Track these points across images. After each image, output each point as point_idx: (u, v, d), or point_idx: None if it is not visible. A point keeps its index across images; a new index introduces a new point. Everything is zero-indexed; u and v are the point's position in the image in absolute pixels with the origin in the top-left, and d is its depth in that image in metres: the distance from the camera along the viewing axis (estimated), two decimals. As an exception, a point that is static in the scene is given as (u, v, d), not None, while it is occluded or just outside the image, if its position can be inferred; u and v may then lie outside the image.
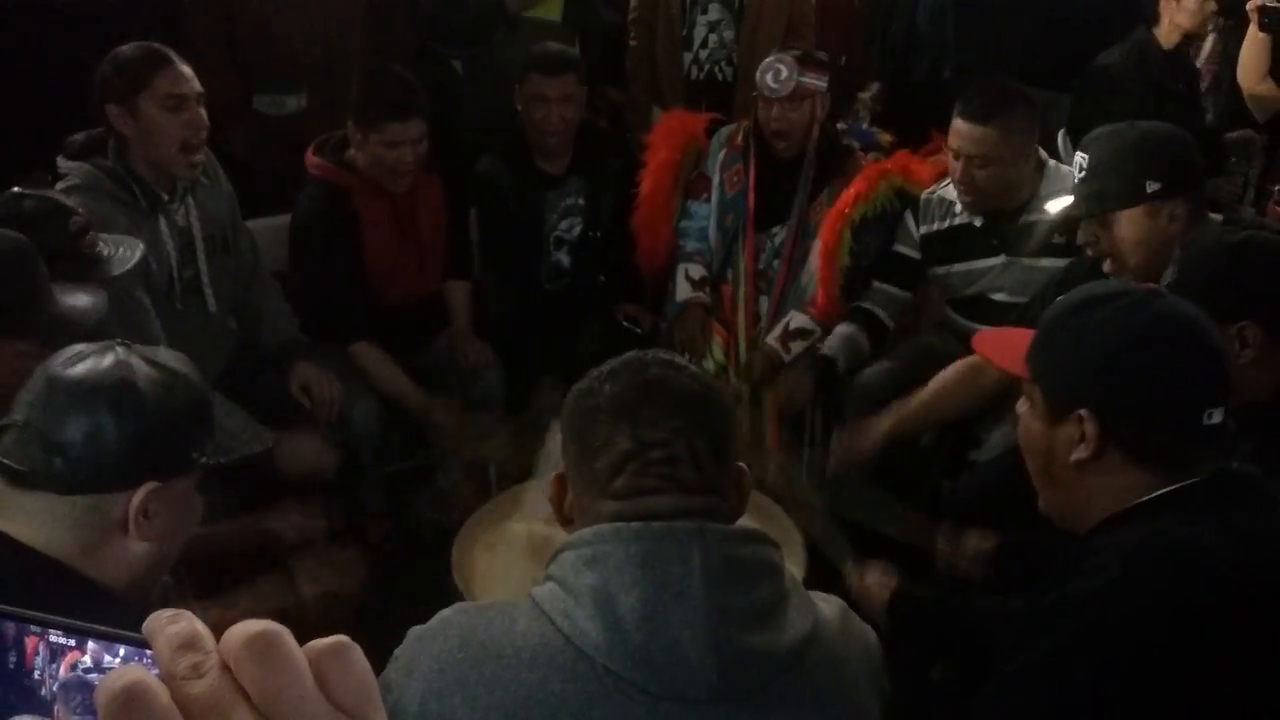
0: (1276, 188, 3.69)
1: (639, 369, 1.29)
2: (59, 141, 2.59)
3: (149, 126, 2.51)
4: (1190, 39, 3.75)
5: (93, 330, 1.82)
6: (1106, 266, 2.25)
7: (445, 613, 1.26)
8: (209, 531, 1.85)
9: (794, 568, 2.07)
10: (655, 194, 3.31)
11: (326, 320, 3.01)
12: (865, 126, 3.67)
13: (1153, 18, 3.76)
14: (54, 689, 0.44)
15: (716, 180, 3.29)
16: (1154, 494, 1.40)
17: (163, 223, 2.60)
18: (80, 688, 0.44)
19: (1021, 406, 1.56)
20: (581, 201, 3.36)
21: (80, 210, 2.13)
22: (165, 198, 2.60)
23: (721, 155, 3.28)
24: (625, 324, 3.39)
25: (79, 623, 0.44)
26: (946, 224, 3.00)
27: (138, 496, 1.34)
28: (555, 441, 1.35)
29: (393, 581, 2.51)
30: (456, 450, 2.96)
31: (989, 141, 2.74)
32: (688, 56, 3.78)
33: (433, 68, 3.72)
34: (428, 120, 2.94)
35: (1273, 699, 1.34)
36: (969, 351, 2.89)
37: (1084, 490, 1.46)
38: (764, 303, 3.26)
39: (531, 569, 2.12)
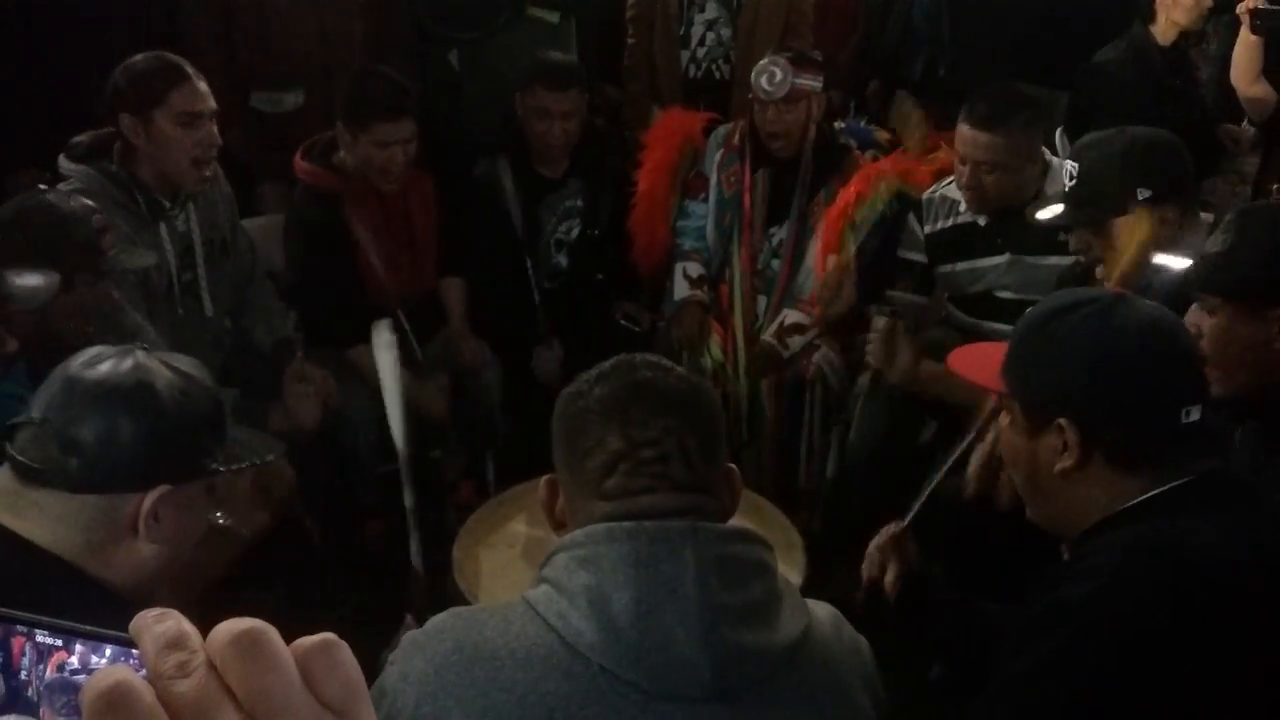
0: (1275, 186, 3.69)
1: (628, 371, 1.29)
2: (53, 138, 2.59)
3: (161, 140, 2.51)
4: (1187, 35, 3.74)
5: (42, 308, 1.85)
6: (1099, 273, 2.25)
7: (439, 617, 1.26)
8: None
9: (792, 570, 2.07)
10: (652, 193, 3.31)
11: (324, 325, 3.00)
12: (862, 124, 3.66)
13: (1149, 14, 3.76)
14: (40, 689, 0.44)
15: (714, 180, 3.29)
16: (1143, 497, 1.40)
17: (164, 229, 2.60)
18: (66, 689, 0.43)
19: (1003, 420, 1.56)
20: (580, 203, 3.36)
21: (100, 210, 2.15)
22: (167, 205, 2.60)
23: (719, 155, 3.29)
24: (623, 322, 3.39)
25: (65, 623, 0.44)
26: (950, 222, 3.00)
27: (149, 499, 1.35)
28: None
29: (390, 582, 2.51)
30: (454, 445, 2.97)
31: (996, 148, 2.74)
32: (685, 55, 3.78)
33: (430, 62, 3.71)
34: (417, 120, 2.94)
35: (1267, 697, 1.34)
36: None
37: (1072, 499, 1.46)
38: (762, 302, 3.27)
39: (531, 569, 2.11)
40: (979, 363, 1.72)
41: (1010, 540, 1.83)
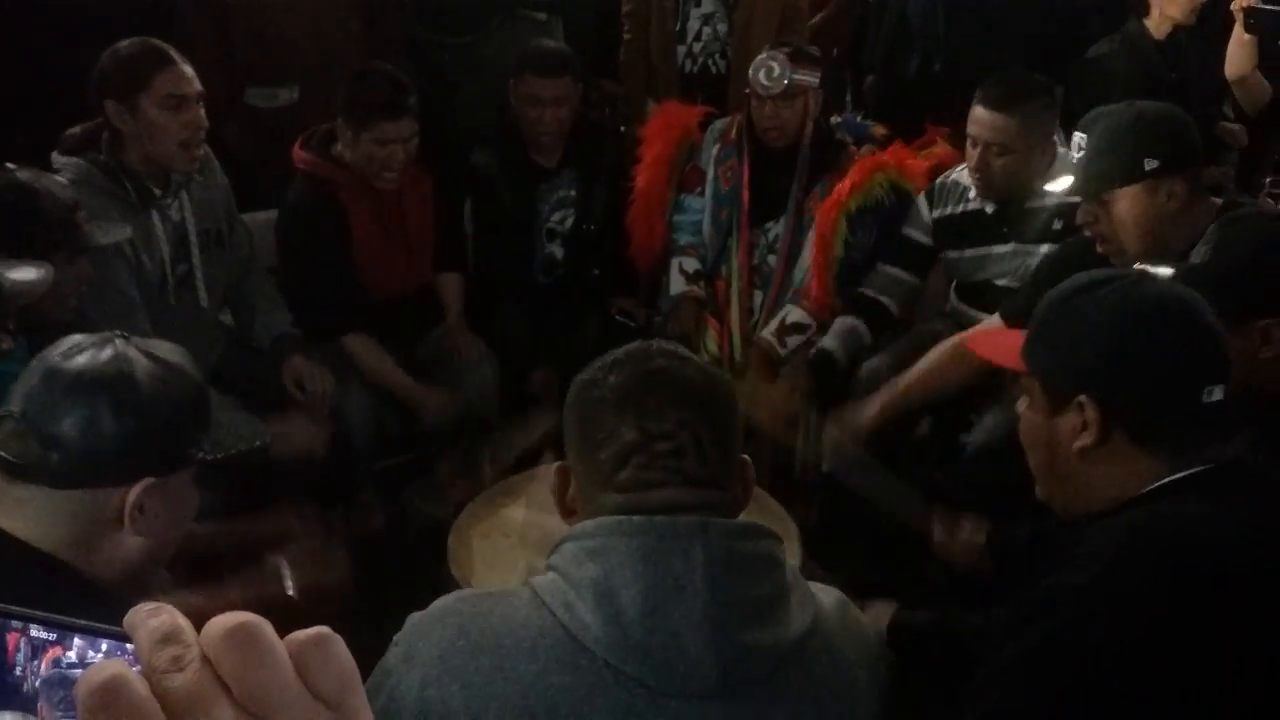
0: (1268, 179, 3.70)
1: (643, 359, 1.28)
2: (49, 132, 2.59)
3: (148, 125, 2.51)
4: (1181, 29, 3.75)
5: (38, 302, 1.84)
6: (1100, 248, 2.24)
7: (445, 599, 1.25)
8: (203, 531, 1.85)
9: (789, 561, 2.07)
10: (649, 188, 3.31)
11: (317, 314, 3.00)
12: (858, 119, 3.67)
13: (1143, 9, 3.77)
14: (35, 685, 0.44)
15: (711, 174, 3.29)
16: (1156, 484, 1.40)
17: (155, 217, 2.59)
18: (63, 684, 0.44)
19: (1021, 404, 1.56)
20: (574, 193, 3.36)
21: (67, 184, 2.14)
22: (158, 193, 2.59)
23: (715, 149, 3.28)
24: (619, 317, 3.39)
25: (60, 617, 0.44)
26: (960, 208, 3.00)
27: (134, 491, 1.33)
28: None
29: (387, 575, 2.51)
30: (451, 439, 2.97)
31: (1009, 130, 2.75)
32: (682, 50, 3.78)
33: (424, 59, 3.71)
34: (418, 118, 2.94)
35: (1267, 688, 1.33)
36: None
37: (1091, 481, 1.45)
38: (759, 297, 3.27)
39: (527, 558, 2.12)
40: (998, 345, 1.72)
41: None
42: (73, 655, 0.45)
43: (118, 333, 1.42)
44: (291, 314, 2.96)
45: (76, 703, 0.40)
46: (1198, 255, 1.79)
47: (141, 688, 0.40)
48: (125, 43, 2.55)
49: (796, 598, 1.22)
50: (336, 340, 2.98)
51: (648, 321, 3.37)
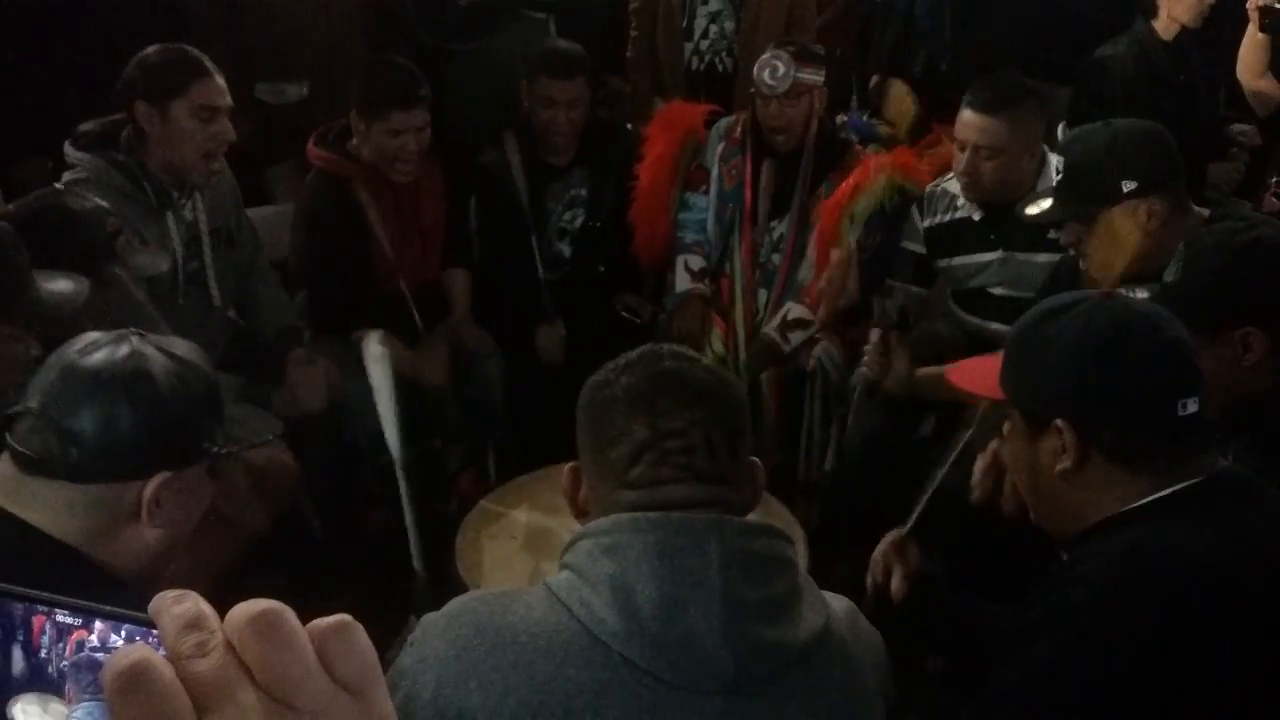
0: (1273, 180, 3.69)
1: (654, 360, 1.30)
2: (58, 126, 2.59)
3: (175, 131, 2.52)
4: (1188, 31, 3.74)
5: (75, 315, 1.83)
6: (1084, 265, 2.25)
7: (460, 599, 1.26)
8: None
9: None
10: (654, 186, 3.31)
11: (333, 310, 3.01)
12: (864, 119, 3.67)
13: (1151, 10, 3.76)
14: (61, 667, 0.45)
15: (715, 173, 3.29)
16: (1146, 499, 1.40)
17: (170, 219, 2.61)
18: (91, 667, 0.45)
19: (1006, 428, 1.57)
20: (585, 192, 3.37)
21: (114, 212, 2.15)
22: (175, 195, 2.61)
23: (720, 148, 3.29)
24: (624, 314, 3.40)
25: (86, 603, 0.45)
26: (949, 217, 3.01)
27: (151, 486, 1.35)
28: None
29: (393, 571, 2.52)
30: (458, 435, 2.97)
31: (998, 133, 2.75)
32: (688, 48, 3.78)
33: (429, 58, 3.72)
34: (430, 109, 2.95)
35: (1266, 704, 1.33)
36: (972, 342, 2.90)
37: (1074, 501, 1.46)
38: (763, 295, 3.27)
39: (534, 560, 2.13)
40: (978, 375, 1.73)
41: (1011, 541, 1.83)
42: (94, 639, 0.45)
43: (133, 330, 1.43)
44: (306, 309, 2.97)
45: (103, 685, 0.41)
46: (1170, 274, 1.80)
47: (167, 672, 0.41)
48: (160, 47, 2.57)
49: (808, 599, 1.23)
50: (351, 335, 2.98)
51: (653, 318, 3.38)
